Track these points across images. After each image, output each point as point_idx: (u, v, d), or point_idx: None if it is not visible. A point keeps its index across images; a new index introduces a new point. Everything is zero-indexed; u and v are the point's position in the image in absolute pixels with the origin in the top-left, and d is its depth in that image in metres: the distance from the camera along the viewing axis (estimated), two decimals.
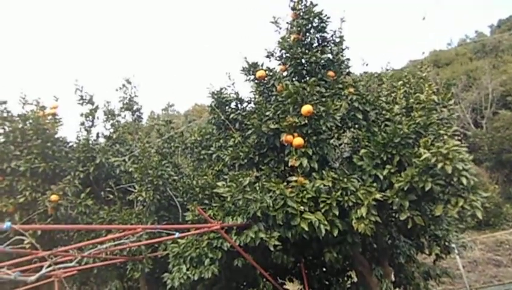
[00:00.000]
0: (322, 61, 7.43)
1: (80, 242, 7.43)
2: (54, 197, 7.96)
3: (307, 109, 6.41)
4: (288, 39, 7.72)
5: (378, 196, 5.91)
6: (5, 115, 9.19)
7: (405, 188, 5.83)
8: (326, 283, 8.64)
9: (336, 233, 6.08)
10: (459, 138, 6.46)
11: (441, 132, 6.30)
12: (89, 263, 7.43)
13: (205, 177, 7.19)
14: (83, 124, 9.00)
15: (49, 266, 5.64)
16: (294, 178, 6.39)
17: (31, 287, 8.38)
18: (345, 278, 8.78)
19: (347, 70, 7.86)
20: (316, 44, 7.76)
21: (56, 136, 9.05)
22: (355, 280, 8.77)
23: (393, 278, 7.75)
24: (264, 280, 7.33)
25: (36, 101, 9.39)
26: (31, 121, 8.84)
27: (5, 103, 9.36)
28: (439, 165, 5.40)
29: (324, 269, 8.51)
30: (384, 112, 7.15)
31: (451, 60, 44.11)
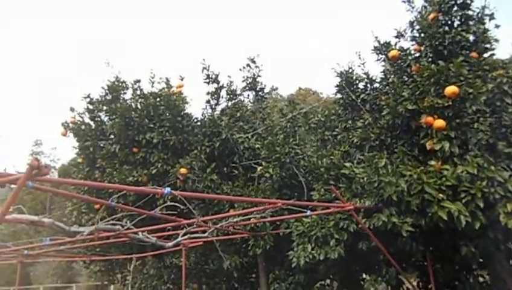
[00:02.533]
0: (465, 41, 6.87)
1: (203, 216, 7.78)
2: (183, 171, 8.46)
3: (452, 90, 5.97)
4: (423, 18, 7.26)
5: None
6: (138, 92, 9.98)
7: None
8: (452, 278, 8.04)
9: (477, 226, 5.65)
10: None
11: None
12: (213, 236, 7.74)
13: (331, 157, 7.06)
14: (208, 102, 9.38)
15: (185, 234, 5.95)
16: (433, 162, 6.02)
17: (157, 253, 9.06)
18: (472, 278, 8.08)
19: (492, 52, 7.16)
20: (457, 22, 7.18)
21: (184, 112, 9.60)
22: (482, 279, 8.07)
23: None
24: (387, 266, 7.07)
25: (166, 79, 10.05)
26: (162, 97, 9.47)
27: (139, 82, 10.17)
28: None
29: (451, 263, 7.93)
30: None
31: None
